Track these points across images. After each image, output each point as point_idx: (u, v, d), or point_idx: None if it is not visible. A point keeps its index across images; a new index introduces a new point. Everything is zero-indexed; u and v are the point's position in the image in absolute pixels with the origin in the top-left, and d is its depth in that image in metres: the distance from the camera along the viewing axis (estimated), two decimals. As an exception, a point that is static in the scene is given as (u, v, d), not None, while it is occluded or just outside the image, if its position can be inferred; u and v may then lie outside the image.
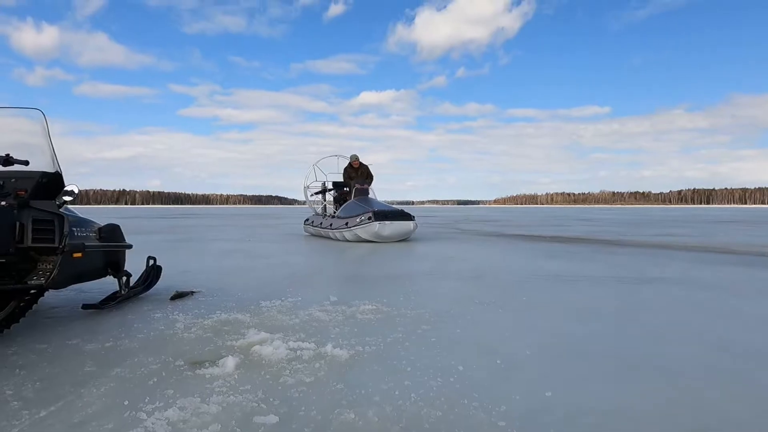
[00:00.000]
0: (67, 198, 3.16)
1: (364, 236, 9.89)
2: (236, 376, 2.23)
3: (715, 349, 2.67)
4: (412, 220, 10.25)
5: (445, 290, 4.54)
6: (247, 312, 3.54)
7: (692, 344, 2.76)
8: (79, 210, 3.67)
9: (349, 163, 11.87)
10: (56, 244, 2.97)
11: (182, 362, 2.42)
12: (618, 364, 2.41)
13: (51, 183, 3.17)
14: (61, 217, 3.04)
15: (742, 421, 1.80)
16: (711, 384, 2.15)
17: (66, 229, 3.01)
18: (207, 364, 2.38)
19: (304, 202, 13.53)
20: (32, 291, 3.06)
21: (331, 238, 10.90)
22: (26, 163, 3.13)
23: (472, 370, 2.30)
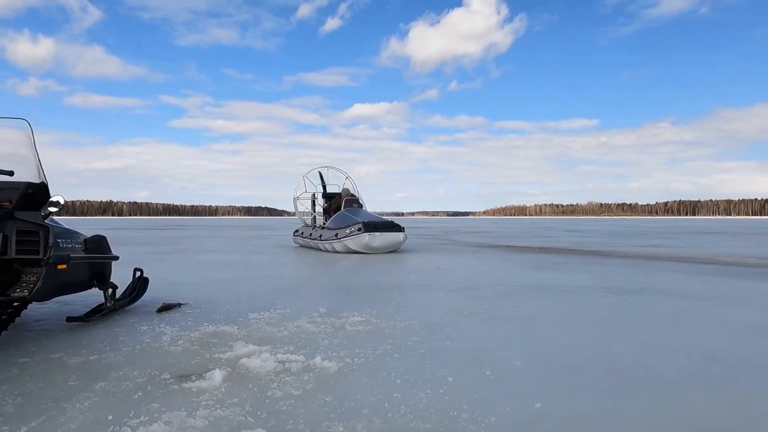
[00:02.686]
0: (52, 209, 3.12)
1: (354, 247, 9.87)
2: (223, 390, 2.20)
3: (704, 358, 2.69)
4: (401, 231, 10.27)
5: (435, 301, 4.54)
6: (234, 324, 3.50)
7: (680, 353, 2.78)
8: (66, 221, 3.63)
9: (339, 194, 12.16)
10: (41, 256, 2.93)
11: (168, 375, 2.39)
12: (607, 374, 2.42)
13: (36, 194, 3.12)
14: (46, 228, 2.99)
15: (730, 428, 1.81)
16: (700, 392, 2.16)
17: (51, 240, 2.97)
18: (194, 378, 2.34)
19: (293, 213, 13.50)
20: (15, 303, 3.01)
21: (321, 250, 10.87)
22: (11, 173, 3.09)
23: (461, 382, 2.30)
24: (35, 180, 3.16)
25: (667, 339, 3.13)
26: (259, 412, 1.95)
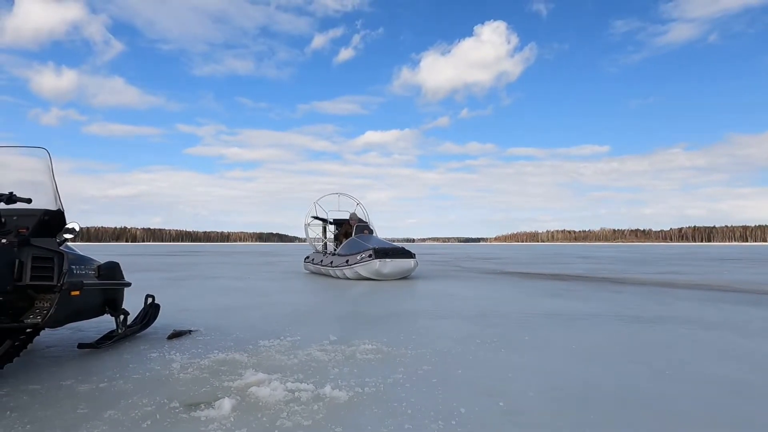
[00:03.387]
0: (68, 236, 3.17)
1: (365, 274, 9.84)
2: (232, 419, 2.18)
3: (723, 389, 2.61)
4: (412, 257, 10.22)
5: (446, 329, 4.48)
6: (245, 351, 3.48)
7: (699, 384, 2.70)
8: (80, 247, 3.67)
9: (347, 221, 12.05)
10: (54, 282, 2.96)
11: (177, 404, 2.37)
12: (624, 406, 2.35)
13: (53, 220, 3.18)
14: (60, 254, 3.03)
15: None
16: (720, 426, 2.10)
17: (65, 267, 3.00)
18: (203, 406, 2.32)
19: (304, 239, 13.53)
20: (28, 330, 3.03)
21: (332, 276, 10.85)
22: (29, 201, 3.15)
23: (474, 413, 2.25)
24: (52, 207, 3.23)
25: (684, 369, 3.05)
26: (267, 443, 1.92)
